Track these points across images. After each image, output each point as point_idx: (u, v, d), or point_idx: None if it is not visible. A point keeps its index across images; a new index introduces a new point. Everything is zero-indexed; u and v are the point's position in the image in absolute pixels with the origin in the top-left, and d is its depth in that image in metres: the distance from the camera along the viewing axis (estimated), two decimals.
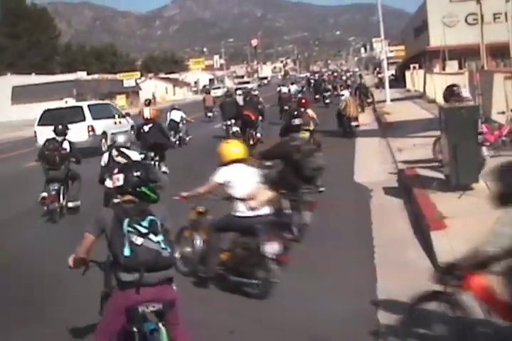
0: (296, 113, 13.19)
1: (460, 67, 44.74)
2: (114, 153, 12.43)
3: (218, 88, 79.68)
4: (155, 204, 5.54)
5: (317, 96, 43.57)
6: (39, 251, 10.81)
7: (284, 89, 39.90)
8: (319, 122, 19.72)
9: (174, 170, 17.00)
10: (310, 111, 18.83)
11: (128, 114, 29.33)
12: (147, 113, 17.84)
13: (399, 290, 7.16)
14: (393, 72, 74.34)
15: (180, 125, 26.17)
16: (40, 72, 79.43)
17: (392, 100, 39.59)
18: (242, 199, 8.03)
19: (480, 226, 9.12)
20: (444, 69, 41.95)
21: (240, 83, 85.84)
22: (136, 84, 78.47)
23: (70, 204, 13.70)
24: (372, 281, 7.85)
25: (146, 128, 17.09)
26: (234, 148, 8.45)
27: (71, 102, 67.92)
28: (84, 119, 25.40)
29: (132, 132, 22.87)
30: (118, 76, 75.16)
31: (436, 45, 44.06)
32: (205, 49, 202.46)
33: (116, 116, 28.20)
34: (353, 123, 23.91)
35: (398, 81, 63.82)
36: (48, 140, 14.15)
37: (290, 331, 6.69)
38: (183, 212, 8.86)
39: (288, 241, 8.39)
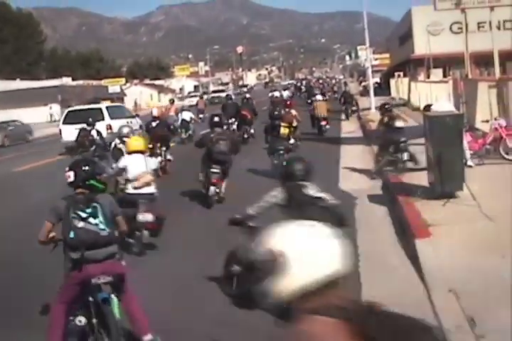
0: (276, 113, 18.37)
1: (444, 76, 44.93)
2: (117, 141, 15.56)
3: (195, 96, 79.97)
4: (102, 194, 6.58)
5: (309, 101, 44.27)
6: None
7: (276, 94, 43.84)
8: (301, 120, 22.89)
9: (180, 160, 20.21)
10: (293, 111, 21.97)
11: (137, 115, 32.72)
12: (155, 112, 21.12)
13: (383, 298, 7.15)
14: (377, 79, 74.60)
15: (190, 124, 29.59)
16: (25, 77, 79.16)
17: (376, 108, 39.70)
18: (131, 181, 10.68)
19: (464, 234, 9.20)
20: (428, 77, 42.15)
21: (213, 92, 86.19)
22: (121, 90, 78.44)
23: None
24: (356, 289, 7.84)
25: (153, 124, 20.28)
26: (135, 142, 11.50)
27: (55, 108, 68.22)
28: (103, 119, 28.00)
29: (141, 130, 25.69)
30: (103, 82, 75.16)
31: (421, 53, 44.32)
32: (190, 55, 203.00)
33: (128, 116, 30.85)
34: (322, 123, 27.46)
35: (382, 89, 64.02)
36: (81, 129, 19.70)
37: (276, 338, 6.65)
38: None
39: (161, 213, 10.38)
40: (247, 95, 35.82)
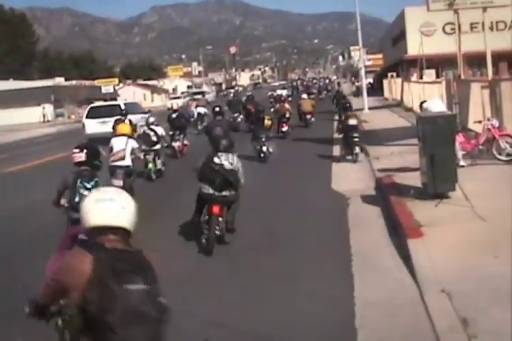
0: (260, 108, 25.83)
1: (437, 76, 45.00)
2: (145, 128, 19.36)
3: (179, 97, 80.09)
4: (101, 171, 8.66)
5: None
6: None
7: (276, 93, 48.19)
8: (293, 112, 30.12)
9: (194, 145, 23.39)
10: (287, 105, 29.83)
11: (150, 111, 35.43)
12: (175, 105, 26.29)
13: (376, 298, 7.17)
14: (371, 80, 74.68)
15: (205, 117, 33.46)
16: (18, 77, 78.93)
17: (369, 108, 39.80)
18: (113, 155, 13.81)
19: (457, 234, 9.21)
20: (421, 77, 42.16)
21: (193, 93, 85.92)
22: (115, 90, 78.23)
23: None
24: (349, 289, 7.85)
25: (173, 115, 24.52)
26: (121, 127, 14.78)
27: (48, 108, 68.09)
28: (121, 114, 29.34)
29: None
30: (96, 82, 74.97)
31: (414, 54, 44.30)
32: (183, 56, 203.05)
33: (142, 112, 33.85)
34: (308, 117, 32.45)
35: (375, 89, 64.08)
36: (116, 119, 22.21)
37: (267, 339, 6.67)
38: None
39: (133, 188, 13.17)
40: (249, 93, 41.38)
